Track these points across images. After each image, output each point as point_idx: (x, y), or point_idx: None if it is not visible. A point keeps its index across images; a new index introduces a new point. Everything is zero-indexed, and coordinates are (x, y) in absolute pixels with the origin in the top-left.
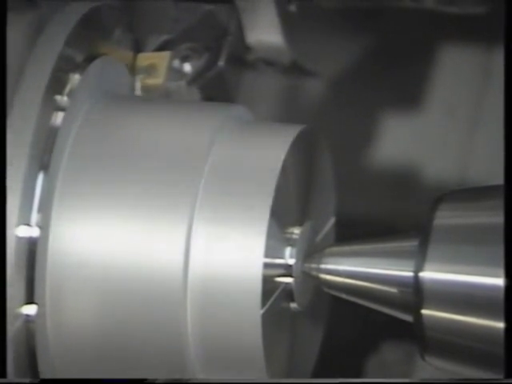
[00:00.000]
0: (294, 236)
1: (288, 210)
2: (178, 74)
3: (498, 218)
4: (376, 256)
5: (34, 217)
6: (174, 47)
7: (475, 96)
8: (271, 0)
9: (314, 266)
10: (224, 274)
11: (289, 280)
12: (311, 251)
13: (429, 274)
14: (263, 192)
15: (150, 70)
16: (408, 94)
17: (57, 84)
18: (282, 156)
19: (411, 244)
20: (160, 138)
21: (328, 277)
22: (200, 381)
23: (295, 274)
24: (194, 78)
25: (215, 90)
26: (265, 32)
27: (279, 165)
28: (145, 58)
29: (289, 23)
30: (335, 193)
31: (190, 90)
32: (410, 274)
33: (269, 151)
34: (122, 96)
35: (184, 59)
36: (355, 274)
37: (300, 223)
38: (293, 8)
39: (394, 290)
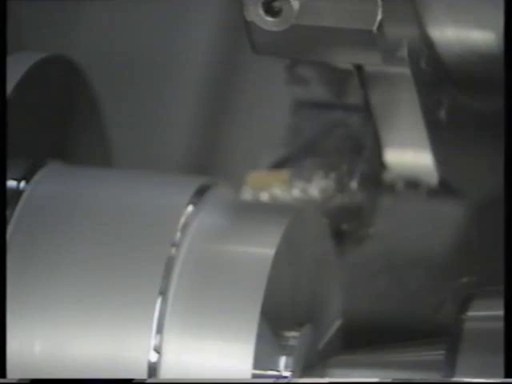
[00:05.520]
0: (291, 342)
1: (283, 310)
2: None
3: None
4: (393, 368)
5: None
6: (295, 164)
7: None
8: (416, 106)
9: None
10: None
11: None
12: (312, 361)
13: None
14: (251, 289)
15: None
16: None
17: None
18: (274, 245)
19: (436, 353)
20: (121, 217)
21: None
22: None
23: None
24: (320, 203)
25: (346, 217)
26: (408, 147)
27: (270, 256)
28: (259, 178)
29: (437, 134)
30: (341, 290)
31: None
32: None
33: (258, 239)
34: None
35: (307, 179)
36: None
37: (298, 326)
38: (443, 115)
39: None
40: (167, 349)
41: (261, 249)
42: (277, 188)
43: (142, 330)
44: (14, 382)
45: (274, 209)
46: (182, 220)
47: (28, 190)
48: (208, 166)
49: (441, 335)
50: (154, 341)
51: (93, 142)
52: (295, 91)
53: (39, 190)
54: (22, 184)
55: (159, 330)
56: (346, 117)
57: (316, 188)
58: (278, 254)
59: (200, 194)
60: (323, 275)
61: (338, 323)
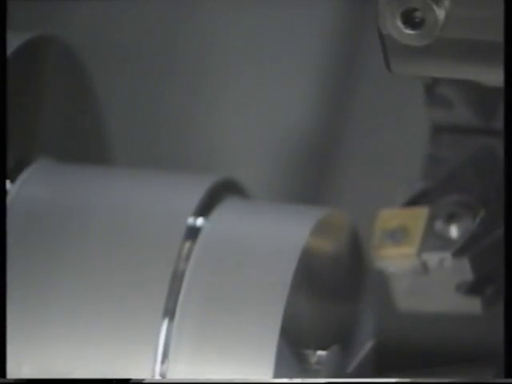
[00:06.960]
0: (315, 366)
1: (306, 329)
2: (440, 240)
3: None
4: None
5: None
6: (435, 200)
7: None
8: None
9: None
10: None
11: None
12: None
13: None
14: (269, 307)
15: (399, 233)
16: None
17: None
18: (295, 259)
19: (482, 378)
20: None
21: None
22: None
23: None
24: (465, 248)
25: (494, 265)
26: None
27: (290, 270)
28: (391, 216)
29: None
30: (375, 307)
31: (458, 265)
32: None
33: (275, 251)
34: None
35: (450, 219)
36: None
37: (324, 347)
38: None
39: None
40: (173, 374)
41: (279, 262)
42: (413, 227)
43: (145, 358)
44: (12, 381)
45: (294, 215)
46: (188, 229)
47: (13, 192)
48: (330, 200)
49: (488, 358)
50: (159, 367)
51: (89, 135)
52: (436, 114)
53: (26, 192)
54: (7, 185)
55: (165, 356)
56: (496, 144)
57: (459, 229)
58: (298, 268)
59: (210, 198)
60: (353, 292)
61: (370, 344)
